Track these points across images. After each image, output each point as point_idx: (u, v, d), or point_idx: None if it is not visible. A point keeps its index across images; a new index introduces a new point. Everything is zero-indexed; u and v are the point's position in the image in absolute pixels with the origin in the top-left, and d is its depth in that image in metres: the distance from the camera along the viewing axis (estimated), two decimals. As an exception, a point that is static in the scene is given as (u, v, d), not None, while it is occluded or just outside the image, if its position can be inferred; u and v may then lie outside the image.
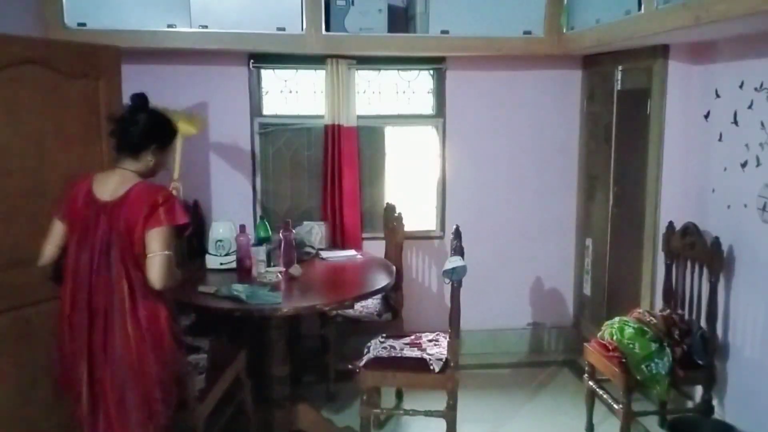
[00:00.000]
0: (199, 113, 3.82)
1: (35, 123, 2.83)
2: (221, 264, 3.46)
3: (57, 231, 2.37)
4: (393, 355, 3.10)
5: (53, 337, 2.39)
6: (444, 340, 3.17)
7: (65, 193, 2.38)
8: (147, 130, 2.35)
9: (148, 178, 2.39)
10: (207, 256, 3.51)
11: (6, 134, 2.74)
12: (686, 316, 3.25)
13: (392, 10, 3.93)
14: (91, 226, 2.28)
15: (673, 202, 3.50)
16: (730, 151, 3.19)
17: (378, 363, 3.06)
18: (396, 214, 3.75)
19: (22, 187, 2.78)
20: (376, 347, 3.18)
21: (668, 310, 3.29)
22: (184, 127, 3.28)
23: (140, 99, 2.39)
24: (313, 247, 3.85)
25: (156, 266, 2.20)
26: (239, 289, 2.91)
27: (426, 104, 4.40)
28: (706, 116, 3.38)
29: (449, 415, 3.02)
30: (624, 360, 3.04)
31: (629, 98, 3.80)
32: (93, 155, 3.01)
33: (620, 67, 3.84)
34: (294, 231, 3.52)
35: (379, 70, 4.30)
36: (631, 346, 3.04)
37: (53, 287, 2.42)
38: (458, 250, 2.96)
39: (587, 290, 4.38)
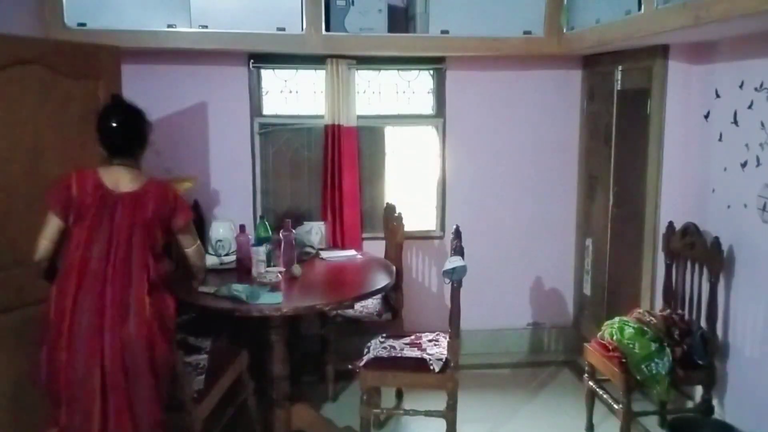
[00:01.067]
0: (192, 175, 3.90)
1: (35, 123, 2.83)
2: (221, 264, 3.46)
3: (53, 226, 2.38)
4: (393, 355, 3.10)
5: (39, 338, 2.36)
6: (444, 340, 3.17)
7: (62, 187, 2.38)
8: (139, 132, 2.50)
9: None
10: (207, 256, 3.50)
11: (5, 134, 2.74)
12: (686, 316, 3.25)
13: (392, 10, 3.93)
14: (105, 217, 2.35)
15: (673, 202, 3.50)
16: (730, 151, 3.19)
17: (378, 363, 3.05)
18: (396, 214, 3.75)
19: (21, 186, 2.79)
20: (376, 347, 3.18)
21: (668, 310, 3.29)
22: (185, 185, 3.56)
23: (121, 101, 2.49)
24: (313, 247, 3.85)
25: (196, 255, 2.64)
26: (239, 289, 2.91)
27: (426, 104, 4.40)
28: (706, 116, 3.38)
29: (449, 415, 3.02)
30: (624, 360, 3.03)
31: (629, 98, 3.80)
32: (92, 155, 2.99)
33: (620, 67, 3.84)
34: (294, 231, 3.52)
35: (379, 70, 4.30)
36: (631, 346, 3.04)
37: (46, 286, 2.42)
38: (458, 250, 2.96)
39: (587, 290, 4.38)
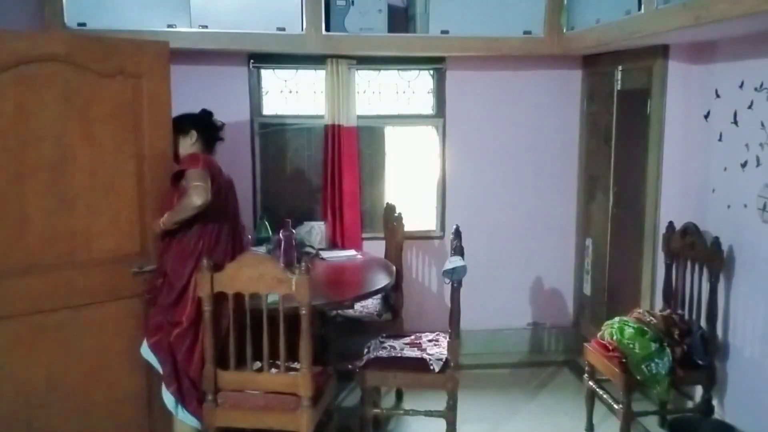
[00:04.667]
0: None
1: (58, 122, 2.64)
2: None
3: (209, 182, 2.67)
4: (393, 355, 3.10)
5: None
6: (444, 340, 3.17)
7: (204, 164, 2.70)
8: None
9: None
10: (207, 256, 3.51)
11: (24, 135, 2.56)
12: (686, 316, 3.25)
13: (392, 10, 3.93)
14: (227, 199, 2.83)
15: (673, 202, 3.50)
16: (730, 151, 3.19)
17: (378, 363, 3.06)
18: (396, 214, 3.75)
19: (40, 191, 2.61)
20: (376, 347, 3.18)
21: (668, 310, 3.29)
22: None
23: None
24: (313, 247, 3.86)
25: None
26: (239, 288, 2.91)
27: (426, 104, 4.40)
28: (706, 116, 3.38)
29: (449, 415, 3.02)
30: (624, 360, 3.03)
31: (629, 98, 3.80)
32: (126, 157, 2.82)
33: (620, 67, 3.84)
34: (294, 231, 3.52)
35: (379, 70, 4.30)
36: (631, 346, 3.04)
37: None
38: (458, 250, 2.96)
39: (587, 290, 4.38)
